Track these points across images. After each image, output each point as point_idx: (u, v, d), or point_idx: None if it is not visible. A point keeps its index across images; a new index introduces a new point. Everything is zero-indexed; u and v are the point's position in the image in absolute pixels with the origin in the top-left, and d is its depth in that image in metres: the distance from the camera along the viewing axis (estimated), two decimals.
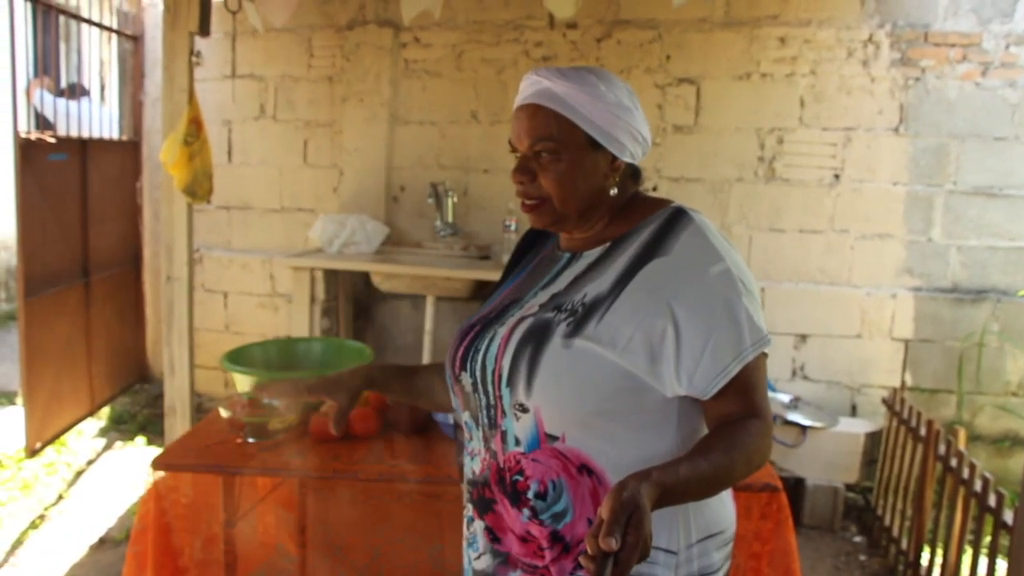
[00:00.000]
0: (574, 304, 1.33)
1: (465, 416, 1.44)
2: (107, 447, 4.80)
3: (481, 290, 4.55)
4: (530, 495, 1.33)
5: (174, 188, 3.65)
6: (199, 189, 3.64)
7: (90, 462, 4.57)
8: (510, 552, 1.40)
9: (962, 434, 3.33)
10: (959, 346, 4.41)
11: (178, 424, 3.78)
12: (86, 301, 4.83)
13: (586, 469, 1.30)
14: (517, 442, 1.34)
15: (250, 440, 2.29)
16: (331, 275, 4.66)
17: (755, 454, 1.22)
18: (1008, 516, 2.71)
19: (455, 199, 4.79)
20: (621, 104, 1.36)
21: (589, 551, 0.98)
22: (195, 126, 3.59)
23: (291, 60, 5.03)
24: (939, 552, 3.24)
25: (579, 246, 1.44)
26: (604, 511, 1.00)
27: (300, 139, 5.10)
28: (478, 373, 1.37)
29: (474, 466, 1.44)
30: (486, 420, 1.38)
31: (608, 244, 1.39)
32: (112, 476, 4.39)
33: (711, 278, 1.27)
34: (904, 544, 3.57)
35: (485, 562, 1.44)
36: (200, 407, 4.61)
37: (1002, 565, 2.75)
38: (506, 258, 4.34)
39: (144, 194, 5.55)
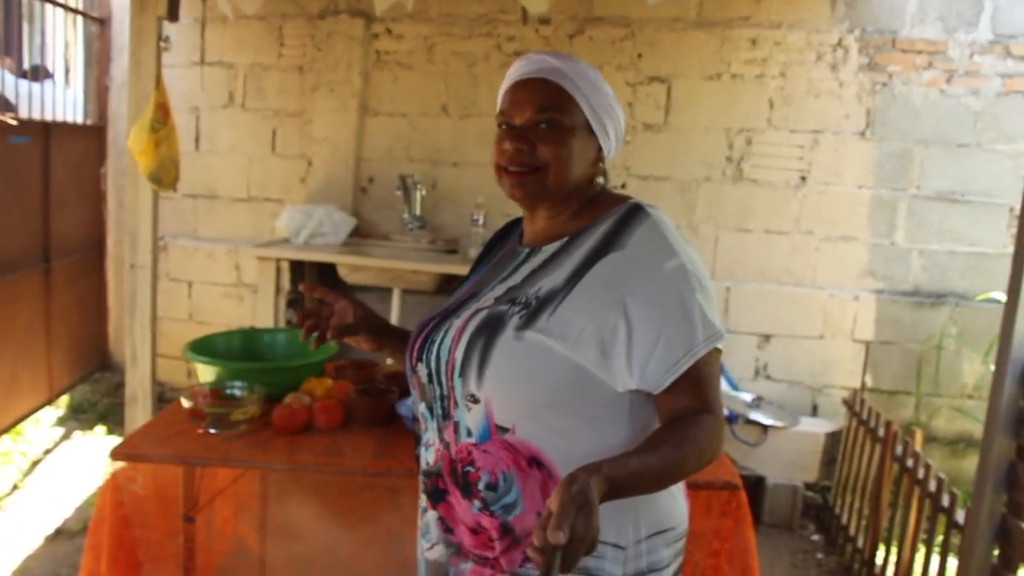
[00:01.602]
0: (528, 297, 1.34)
1: (421, 407, 1.46)
2: (65, 436, 4.73)
3: (448, 284, 4.54)
4: (481, 486, 1.34)
5: (139, 175, 3.60)
6: (165, 176, 3.60)
7: (47, 451, 4.51)
8: (461, 543, 1.41)
9: (919, 435, 3.39)
10: (918, 348, 4.48)
11: (139, 414, 3.73)
12: (46, 287, 4.76)
13: (536, 462, 1.31)
14: (469, 433, 1.35)
15: (212, 431, 2.27)
16: (297, 266, 4.63)
17: (706, 449, 1.22)
18: (960, 516, 2.77)
19: (424, 192, 4.78)
20: (614, 99, 1.43)
21: (537, 543, 0.99)
22: (162, 112, 3.54)
23: (261, 48, 4.98)
24: (894, 550, 3.29)
25: (539, 241, 1.45)
26: (553, 504, 1.00)
27: (269, 128, 5.06)
28: (433, 364, 1.39)
29: (428, 457, 1.45)
30: (440, 411, 1.40)
31: (566, 239, 1.40)
32: (70, 466, 4.33)
33: (665, 273, 1.28)
34: (860, 542, 3.62)
35: (438, 552, 1.46)
36: (162, 396, 4.56)
37: (953, 563, 2.80)
38: (473, 252, 4.38)
39: (108, 180, 5.47)
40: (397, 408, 2.41)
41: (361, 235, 4.87)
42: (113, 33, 5.35)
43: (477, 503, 1.35)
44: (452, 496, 1.41)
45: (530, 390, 1.28)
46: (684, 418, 1.24)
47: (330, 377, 2.65)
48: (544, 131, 1.37)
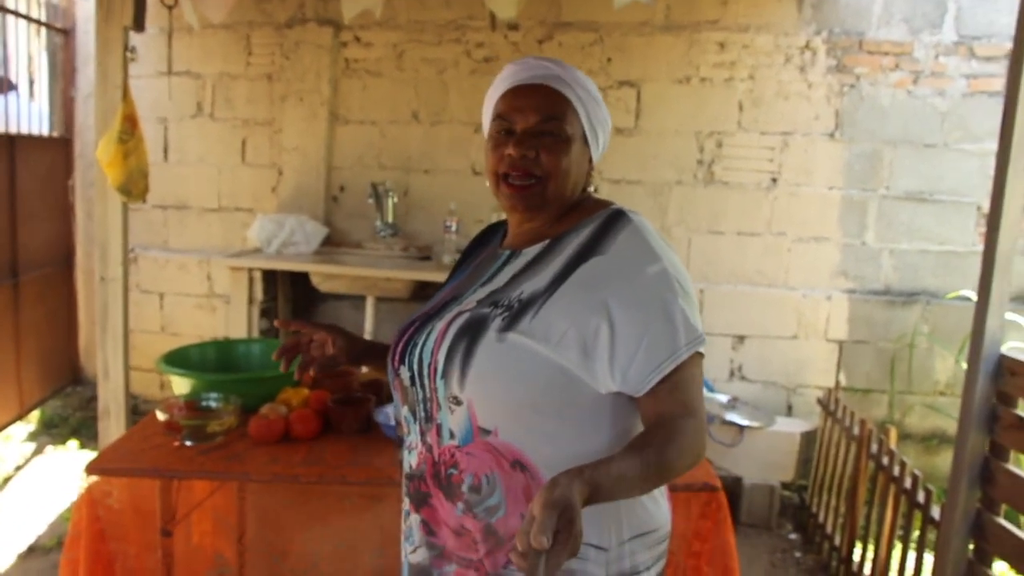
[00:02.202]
0: (511, 300, 1.34)
1: (404, 411, 1.45)
2: (37, 452, 4.66)
3: (421, 291, 4.53)
4: (464, 488, 1.34)
5: (108, 186, 3.56)
6: (134, 188, 3.56)
7: (18, 467, 4.44)
8: (445, 546, 1.41)
9: (893, 433, 3.41)
10: (891, 347, 4.53)
11: (112, 427, 3.69)
12: (14, 302, 4.69)
13: (519, 464, 1.31)
14: (452, 435, 1.35)
15: (188, 443, 2.25)
16: (270, 275, 4.60)
17: (688, 453, 1.22)
18: (936, 511, 2.80)
19: (395, 199, 4.77)
20: (607, 112, 1.47)
21: (520, 548, 0.99)
22: (130, 123, 3.50)
23: (229, 58, 4.95)
24: (870, 547, 3.32)
25: (521, 243, 1.46)
26: (535, 508, 1.00)
27: (238, 138, 5.02)
28: (415, 366, 1.39)
29: (411, 460, 1.45)
30: (423, 414, 1.39)
31: (547, 242, 1.41)
32: (42, 481, 4.26)
33: (648, 277, 1.29)
34: (837, 540, 3.65)
35: (421, 555, 1.45)
36: (135, 409, 4.51)
37: (929, 559, 2.83)
38: (447, 259, 4.37)
39: (76, 192, 5.41)
40: (375, 416, 2.40)
41: (333, 244, 4.85)
42: (78, 44, 5.29)
43: (460, 505, 1.36)
44: (435, 499, 1.40)
45: (513, 391, 1.28)
46: (667, 422, 1.24)
47: (306, 387, 2.63)
48: (547, 140, 1.38)
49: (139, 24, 3.54)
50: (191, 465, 2.18)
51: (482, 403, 1.30)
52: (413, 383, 1.40)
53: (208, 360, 2.77)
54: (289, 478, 2.15)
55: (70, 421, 5.10)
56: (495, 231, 1.62)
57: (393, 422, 2.38)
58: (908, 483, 3.01)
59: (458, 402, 1.32)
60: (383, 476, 2.16)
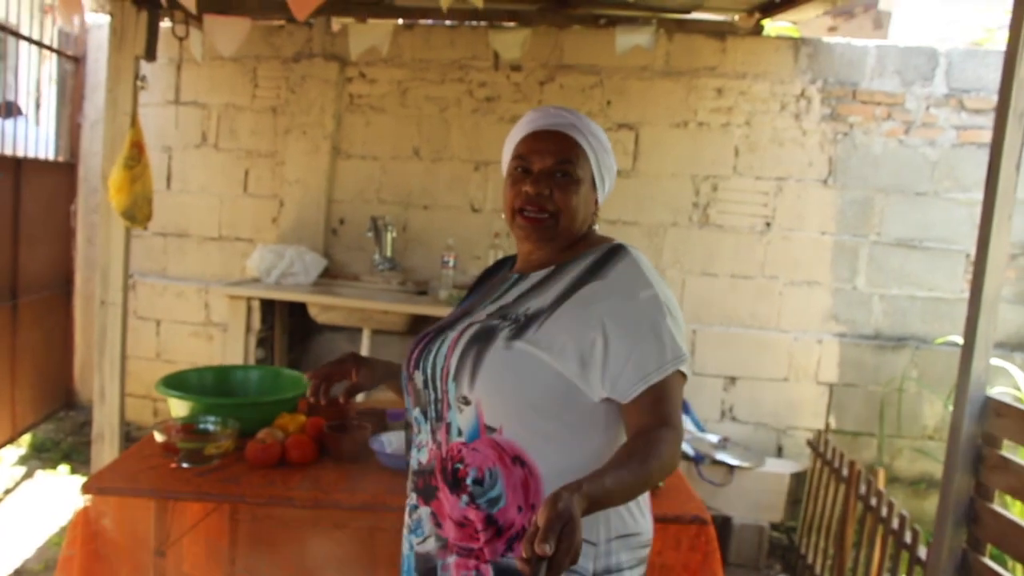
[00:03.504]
0: (517, 314, 1.51)
1: (415, 412, 1.60)
2: (27, 475, 4.64)
3: (418, 325, 4.56)
4: (469, 481, 1.47)
5: (112, 211, 3.61)
6: (138, 213, 3.62)
7: (7, 491, 4.42)
8: (448, 538, 1.53)
9: (882, 474, 3.45)
10: (880, 391, 4.57)
11: (106, 451, 3.71)
12: (12, 324, 4.71)
13: (519, 460, 1.45)
14: (460, 432, 1.49)
15: (184, 465, 2.27)
16: (268, 305, 4.63)
17: (668, 461, 1.35)
18: (923, 552, 2.82)
19: (394, 234, 4.82)
20: (615, 160, 1.64)
21: (525, 555, 1.09)
22: (137, 150, 3.57)
23: (236, 89, 5.03)
24: None
25: (529, 268, 1.62)
26: (540, 519, 1.11)
27: (241, 168, 5.09)
28: (429, 371, 1.54)
29: (421, 457, 1.58)
30: (434, 413, 1.54)
31: (552, 267, 1.58)
32: (32, 505, 4.25)
33: (640, 300, 1.45)
34: None
35: (430, 545, 1.57)
36: (128, 436, 4.51)
37: None
38: (443, 294, 4.43)
39: (78, 217, 5.46)
40: (370, 444, 2.42)
41: (332, 276, 4.89)
42: (87, 72, 5.37)
43: (465, 498, 1.48)
44: (441, 492, 1.53)
45: (517, 393, 1.43)
46: (648, 433, 1.37)
47: (303, 413, 2.66)
48: (560, 180, 1.54)
49: (151, 54, 3.63)
50: (187, 487, 2.20)
51: (489, 403, 1.45)
52: (426, 386, 1.55)
53: (206, 384, 2.80)
54: (284, 501, 2.18)
55: (62, 445, 5.09)
56: (504, 265, 1.79)
57: (388, 449, 2.41)
58: (896, 524, 3.04)
59: (467, 402, 1.46)
60: (378, 502, 2.18)
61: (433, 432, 1.55)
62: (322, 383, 1.77)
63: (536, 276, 1.59)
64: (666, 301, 1.46)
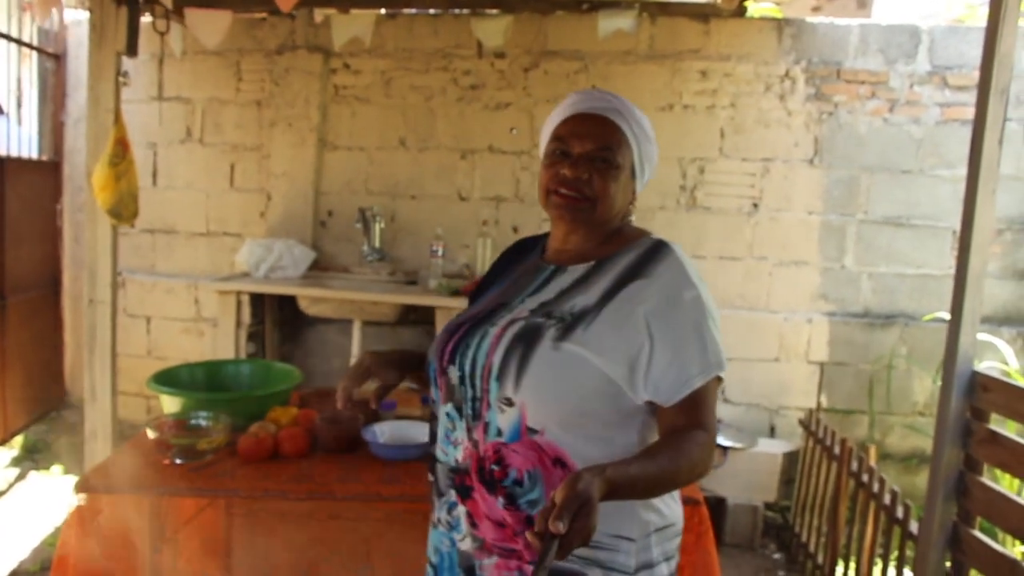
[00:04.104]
0: (563, 312, 1.45)
1: (447, 407, 1.53)
2: (20, 477, 4.63)
3: (408, 315, 4.57)
4: (507, 483, 1.43)
5: (98, 209, 3.60)
6: (124, 211, 3.60)
7: (1, 493, 4.42)
8: (485, 539, 1.49)
9: (873, 451, 3.47)
10: (870, 369, 4.60)
11: (99, 450, 3.70)
12: (1, 325, 4.70)
13: (560, 462, 1.41)
14: (499, 433, 1.44)
15: (178, 461, 2.27)
16: (257, 299, 4.63)
17: (698, 463, 1.33)
18: (914, 527, 2.85)
19: (383, 224, 4.82)
20: (657, 149, 1.60)
21: (538, 530, 1.09)
22: (121, 147, 3.55)
23: (219, 83, 5.01)
24: (852, 565, 3.36)
25: (565, 260, 1.57)
26: (558, 497, 1.10)
27: (227, 163, 5.07)
28: (467, 367, 1.48)
29: (456, 454, 1.52)
30: (470, 411, 1.48)
31: (593, 263, 1.53)
32: (25, 507, 4.25)
33: (685, 301, 1.42)
34: (820, 559, 3.69)
35: (467, 544, 1.53)
36: (121, 434, 4.50)
37: (908, 575, 2.87)
38: (432, 283, 4.42)
39: (64, 216, 5.44)
40: (362, 434, 2.43)
41: (321, 268, 4.89)
42: (69, 69, 5.34)
43: (502, 499, 1.45)
44: (477, 492, 1.49)
45: (564, 396, 1.39)
46: (681, 433, 1.35)
47: (295, 405, 2.67)
48: (600, 165, 1.50)
49: (132, 49, 3.60)
50: (182, 482, 2.20)
51: (534, 405, 1.40)
52: (463, 382, 1.50)
53: (198, 380, 2.80)
54: (278, 494, 2.18)
55: (54, 446, 5.08)
56: (527, 246, 1.73)
57: (380, 439, 2.42)
58: (887, 499, 3.07)
59: (510, 403, 1.42)
60: (371, 492, 2.19)
61: (469, 430, 1.49)
62: (350, 390, 1.62)
63: (576, 270, 1.54)
64: (707, 303, 1.44)
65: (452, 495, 1.54)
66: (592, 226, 1.54)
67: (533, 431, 1.41)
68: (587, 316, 1.43)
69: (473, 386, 1.47)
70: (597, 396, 1.40)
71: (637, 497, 1.32)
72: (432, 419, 1.61)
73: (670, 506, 1.52)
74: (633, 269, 1.48)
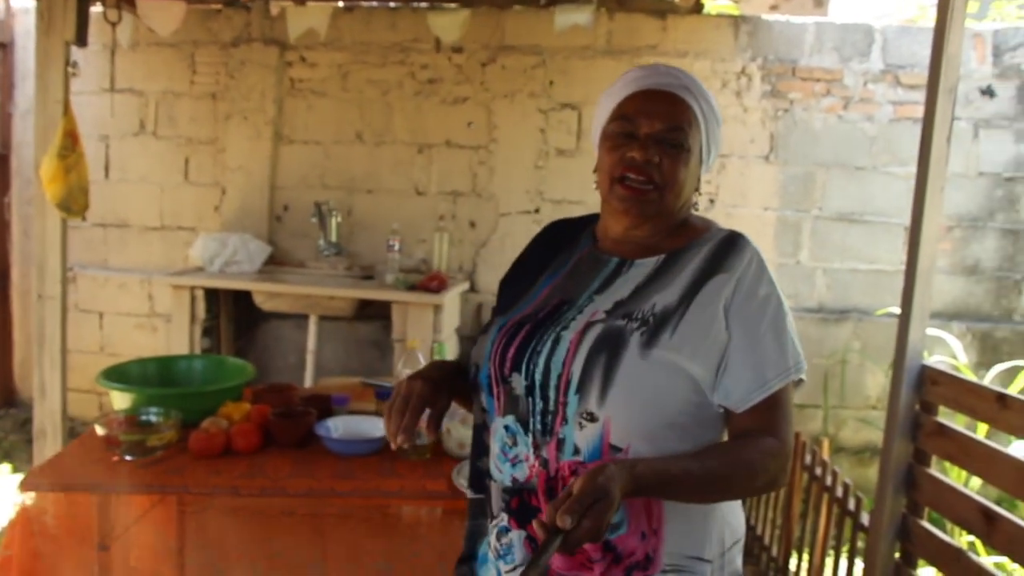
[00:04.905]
0: (644, 314, 1.31)
1: (507, 420, 1.36)
2: None
3: (364, 309, 4.54)
4: None
5: (47, 203, 3.52)
6: (74, 204, 3.53)
7: None
8: (551, 565, 1.31)
9: (826, 444, 3.52)
10: (824, 363, 4.66)
11: (48, 448, 3.62)
12: None
13: None
14: (576, 451, 1.29)
15: (127, 458, 2.23)
16: (212, 294, 4.57)
17: (761, 472, 1.24)
18: (865, 519, 2.89)
19: (339, 219, 4.79)
20: (722, 134, 1.46)
21: (545, 520, 1.02)
22: (70, 139, 3.47)
23: (173, 76, 4.93)
24: (806, 557, 3.40)
25: (629, 252, 1.43)
26: (575, 488, 1.03)
27: (181, 156, 5.00)
28: (538, 376, 1.32)
29: (516, 473, 1.35)
30: (539, 426, 1.32)
31: (663, 256, 1.40)
32: None
33: (763, 299, 1.32)
34: (775, 551, 3.72)
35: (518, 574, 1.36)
36: (72, 431, 4.42)
37: (860, 565, 2.92)
38: (389, 277, 4.39)
39: (13, 209, 5.32)
40: (315, 430, 2.41)
41: (277, 263, 4.84)
42: (16, 59, 5.22)
43: None
44: None
45: (654, 410, 1.27)
46: (746, 438, 1.27)
47: (248, 401, 2.63)
48: (669, 149, 1.35)
49: (81, 39, 3.52)
50: (130, 480, 2.17)
51: (619, 420, 1.26)
52: (530, 393, 1.33)
53: (149, 376, 2.76)
54: (229, 490, 2.16)
55: (3, 444, 4.98)
56: (563, 231, 1.57)
57: (334, 435, 2.40)
58: (840, 492, 3.11)
59: (593, 419, 1.27)
60: (324, 488, 2.18)
61: (536, 447, 1.32)
62: (411, 428, 1.32)
63: (646, 264, 1.39)
64: (784, 304, 1.34)
65: (504, 519, 1.37)
66: (660, 217, 1.39)
67: (617, 449, 1.26)
68: (671, 317, 1.29)
69: (545, 398, 1.31)
70: (687, 406, 1.28)
71: (676, 499, 1.22)
72: (479, 429, 1.44)
73: (739, 518, 1.41)
74: (711, 263, 1.35)
